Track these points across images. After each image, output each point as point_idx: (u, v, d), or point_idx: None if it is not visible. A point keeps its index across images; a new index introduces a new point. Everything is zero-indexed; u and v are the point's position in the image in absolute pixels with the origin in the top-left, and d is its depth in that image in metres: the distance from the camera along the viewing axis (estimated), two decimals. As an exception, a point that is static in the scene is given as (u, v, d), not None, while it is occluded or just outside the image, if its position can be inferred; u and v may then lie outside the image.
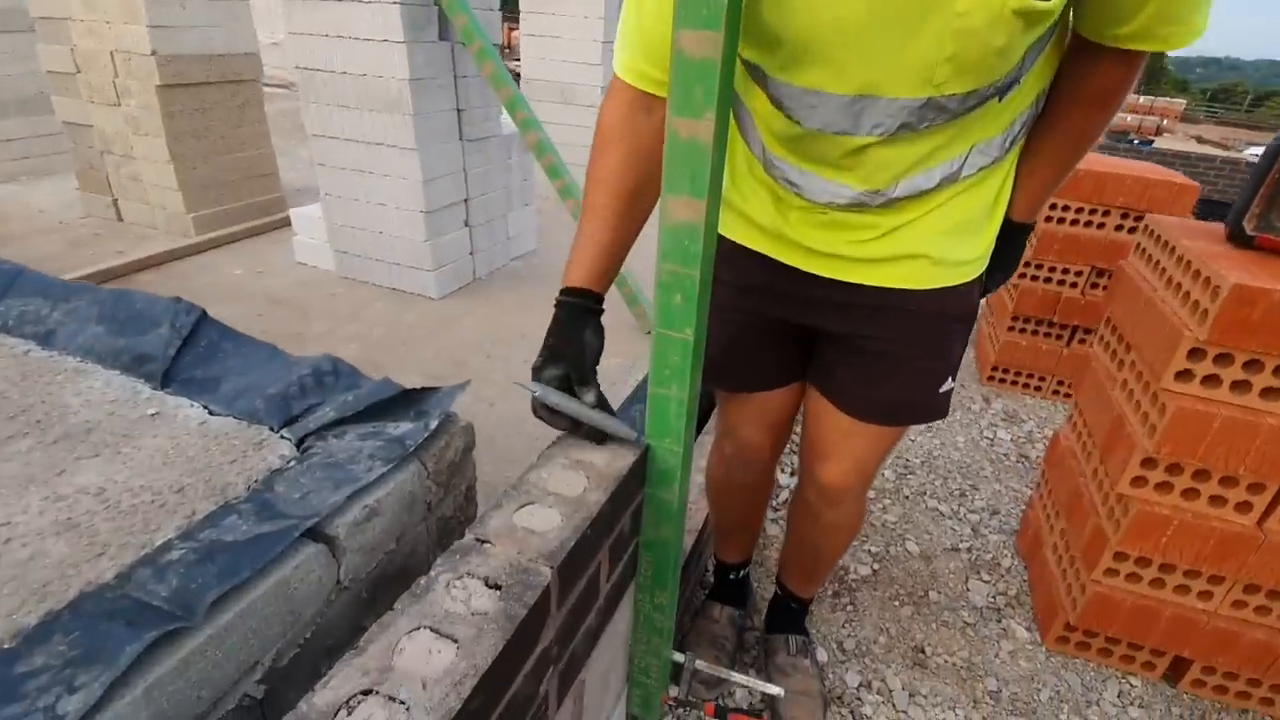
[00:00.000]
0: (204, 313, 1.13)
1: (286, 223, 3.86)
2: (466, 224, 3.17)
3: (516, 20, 4.73)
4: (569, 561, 0.77)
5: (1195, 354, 1.27)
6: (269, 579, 0.70)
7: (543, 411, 0.88)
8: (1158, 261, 1.48)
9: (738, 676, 1.30)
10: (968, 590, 1.83)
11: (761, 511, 1.52)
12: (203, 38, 3.29)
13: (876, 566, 1.88)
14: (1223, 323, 1.21)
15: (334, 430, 0.94)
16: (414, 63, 2.57)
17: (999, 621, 1.73)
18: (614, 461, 0.93)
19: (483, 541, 0.77)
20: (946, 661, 1.61)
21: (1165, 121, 16.58)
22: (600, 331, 0.91)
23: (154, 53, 3.13)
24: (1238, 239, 1.34)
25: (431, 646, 0.63)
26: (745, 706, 1.47)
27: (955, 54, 0.71)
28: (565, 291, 0.91)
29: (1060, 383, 2.77)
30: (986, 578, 1.88)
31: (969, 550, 1.97)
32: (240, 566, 0.68)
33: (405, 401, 0.99)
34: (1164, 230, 1.47)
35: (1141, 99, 18.30)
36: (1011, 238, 0.98)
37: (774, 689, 1.30)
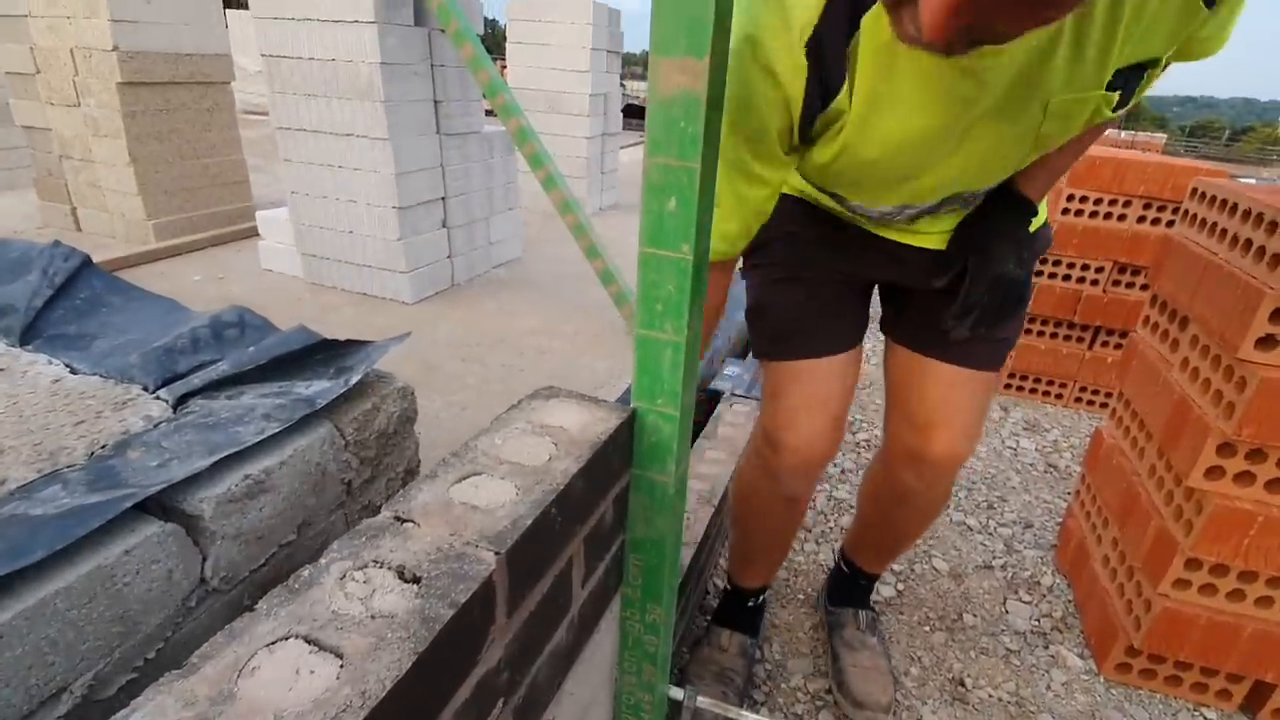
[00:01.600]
0: (87, 259, 0.92)
1: (254, 233, 3.67)
2: (444, 224, 2.98)
3: (503, 54, 4.68)
4: (523, 549, 0.55)
5: (1277, 316, 1.08)
6: (77, 567, 0.47)
7: None
8: (1215, 224, 1.30)
9: (751, 717, 1.06)
10: (1006, 612, 1.60)
11: (795, 530, 1.30)
12: (170, 35, 3.13)
13: (901, 587, 1.65)
14: (1318, 275, 1.02)
15: (228, 390, 0.72)
16: (386, 46, 2.41)
17: (1046, 648, 1.50)
18: (591, 425, 0.72)
19: (402, 520, 0.55)
20: (991, 695, 1.38)
21: (1147, 155, 16.93)
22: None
23: (116, 48, 2.96)
24: (1316, 189, 1.16)
25: (302, 664, 0.41)
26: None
27: (1035, 154, 0.80)
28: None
29: (1083, 389, 2.58)
30: (1026, 598, 1.65)
31: (1003, 568, 1.75)
32: (30, 546, 0.45)
33: (325, 357, 0.77)
34: (1222, 190, 1.30)
35: (1123, 134, 18.79)
36: (1012, 205, 0.91)
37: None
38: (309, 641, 0.43)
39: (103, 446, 0.63)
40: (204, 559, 0.57)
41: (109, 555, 0.50)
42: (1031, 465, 2.26)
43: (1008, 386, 2.67)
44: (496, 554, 0.52)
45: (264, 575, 0.64)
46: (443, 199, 2.92)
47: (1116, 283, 2.41)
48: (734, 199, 0.82)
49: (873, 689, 1.26)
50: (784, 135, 0.75)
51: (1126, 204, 2.30)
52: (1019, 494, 2.09)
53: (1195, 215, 1.39)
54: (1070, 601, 1.64)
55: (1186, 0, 0.64)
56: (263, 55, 2.61)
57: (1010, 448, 2.35)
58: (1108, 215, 2.33)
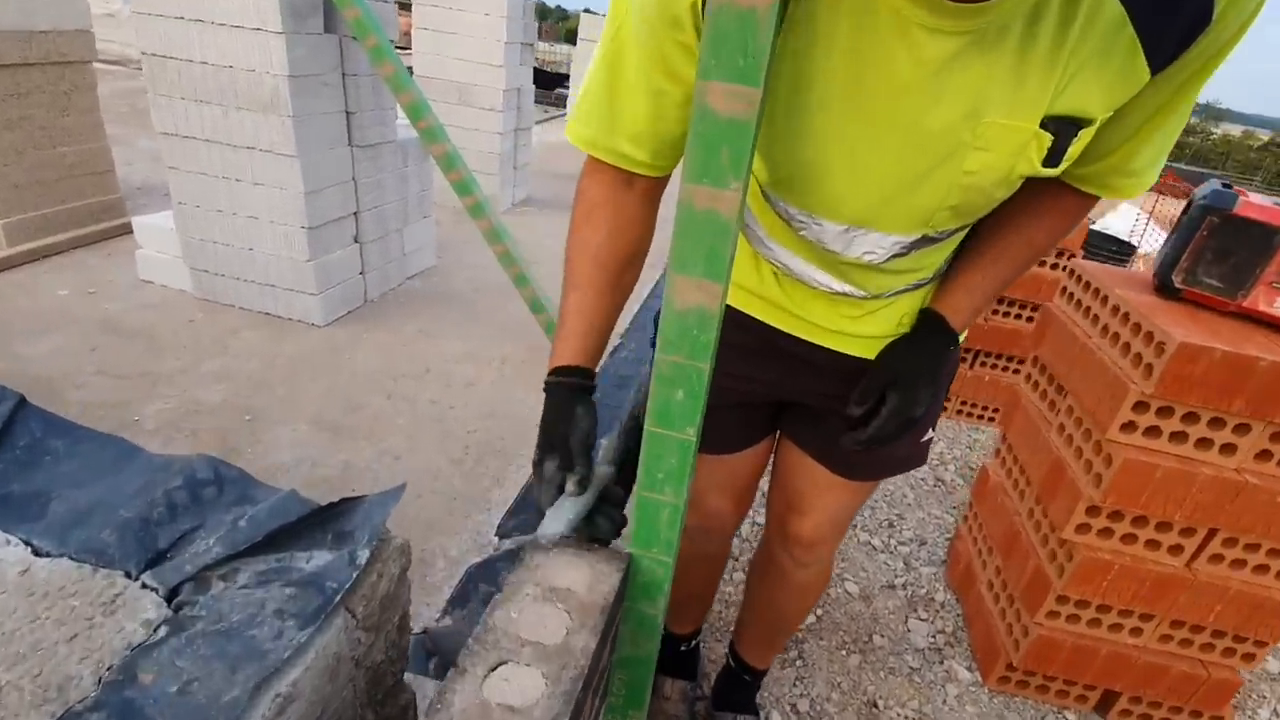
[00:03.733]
0: (21, 398, 0.84)
1: (125, 230, 3.31)
2: (356, 240, 2.83)
3: (409, 6, 4.36)
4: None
5: (1139, 407, 1.29)
6: None
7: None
8: (1089, 308, 1.51)
9: (711, 780, 1.17)
10: (908, 631, 1.81)
11: (718, 581, 1.41)
12: (22, 10, 2.71)
13: (820, 612, 1.83)
14: (1168, 378, 1.23)
15: (220, 570, 0.71)
16: (294, 57, 2.23)
17: (941, 663, 1.73)
18: (596, 584, 0.77)
19: (448, 734, 0.58)
20: (900, 715, 1.58)
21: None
22: (593, 409, 0.80)
23: (-52, 24, 2.54)
24: (1166, 291, 1.39)
25: None
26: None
27: (959, 204, 0.73)
28: (555, 372, 0.80)
29: (964, 403, 2.89)
30: (924, 615, 1.87)
31: (904, 586, 1.97)
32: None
33: (318, 522, 0.77)
34: (1094, 278, 1.51)
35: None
36: (939, 340, 0.90)
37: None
38: None
39: (109, 669, 0.61)
40: (241, 787, 0.57)
41: (167, 827, 0.50)
42: (923, 480, 2.53)
43: (902, 403, 2.93)
44: (546, 768, 0.57)
45: (289, 774, 0.65)
46: (355, 214, 2.77)
47: (996, 311, 2.71)
48: (648, 93, 0.70)
49: None
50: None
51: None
52: (914, 510, 2.34)
53: (1072, 294, 1.60)
54: (960, 616, 1.89)
55: (1128, 55, 0.60)
56: (143, 54, 2.33)
57: (906, 464, 2.61)
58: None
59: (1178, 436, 1.30)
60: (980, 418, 2.91)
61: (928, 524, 2.27)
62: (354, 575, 0.70)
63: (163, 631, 0.64)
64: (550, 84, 10.82)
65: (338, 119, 2.54)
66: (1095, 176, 0.76)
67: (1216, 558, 1.38)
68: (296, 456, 1.97)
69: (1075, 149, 0.67)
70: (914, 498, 2.41)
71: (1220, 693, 1.49)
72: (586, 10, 8.87)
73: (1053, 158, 0.67)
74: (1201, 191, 1.35)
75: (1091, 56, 0.60)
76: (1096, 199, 0.83)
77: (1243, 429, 1.27)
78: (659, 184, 0.81)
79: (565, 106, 9.69)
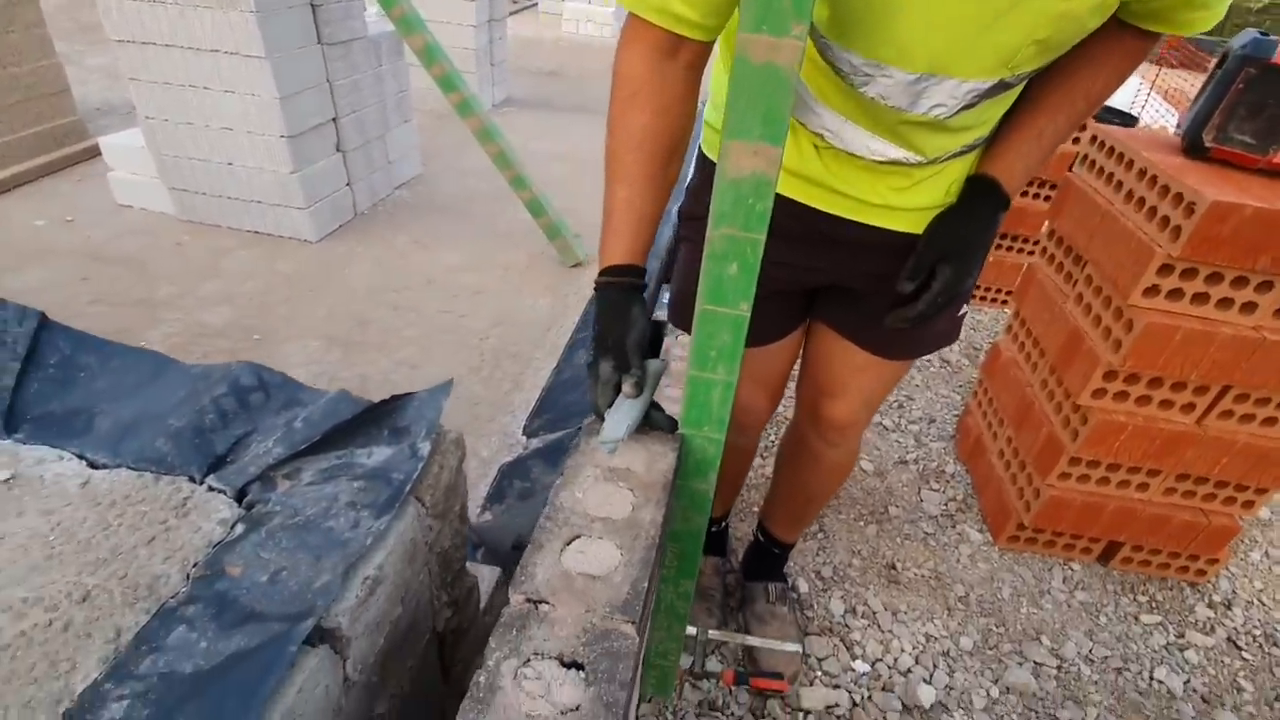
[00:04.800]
0: (42, 315, 0.81)
1: (92, 154, 3.14)
2: (339, 149, 2.70)
3: None
4: (644, 603, 0.63)
5: (1164, 270, 1.29)
6: (273, 717, 0.50)
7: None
8: (1112, 175, 1.48)
9: (754, 640, 1.25)
10: (921, 501, 1.89)
11: (748, 468, 1.45)
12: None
13: (838, 490, 1.90)
14: (1197, 239, 1.22)
15: (283, 470, 0.71)
16: (249, -56, 2.03)
17: (954, 527, 1.81)
18: (654, 463, 0.78)
19: (537, 603, 0.60)
20: (916, 574, 1.67)
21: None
22: (646, 308, 0.79)
23: None
24: (1195, 150, 1.34)
25: (527, 776, 0.48)
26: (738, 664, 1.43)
27: (1048, 37, 0.68)
28: (606, 272, 0.78)
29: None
30: (935, 486, 1.95)
31: (916, 461, 2.04)
32: (231, 712, 0.47)
33: (371, 420, 0.77)
34: (1119, 143, 1.46)
35: None
36: (991, 207, 0.88)
37: (792, 646, 1.26)
38: (520, 753, 0.49)
39: (194, 565, 0.62)
40: (345, 662, 0.60)
41: (288, 698, 0.52)
42: (928, 362, 2.56)
43: (906, 288, 2.93)
44: (632, 623, 0.60)
45: (383, 650, 0.68)
46: (334, 120, 2.62)
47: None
48: None
49: (778, 663, 1.35)
50: None
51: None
52: (922, 391, 2.38)
53: (1094, 162, 1.56)
54: (970, 485, 1.96)
55: None
56: (79, -53, 2.11)
57: (912, 348, 2.64)
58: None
59: (1199, 298, 1.30)
60: (984, 299, 2.92)
61: (935, 403, 2.32)
62: (419, 466, 0.70)
63: (240, 529, 0.65)
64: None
65: (303, 12, 2.34)
66: (1166, 10, 0.71)
67: (1227, 413, 1.42)
68: (312, 373, 1.96)
69: None
70: (921, 380, 2.45)
71: (1219, 538, 1.58)
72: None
73: None
74: (1239, 40, 1.28)
75: None
76: (1157, 39, 0.78)
77: (1265, 287, 1.27)
78: (704, 54, 0.75)
79: (536, -4, 9.01)
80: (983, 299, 2.92)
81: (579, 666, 0.56)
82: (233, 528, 0.65)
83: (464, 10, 3.99)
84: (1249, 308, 1.30)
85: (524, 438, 1.77)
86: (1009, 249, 2.77)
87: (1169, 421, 1.44)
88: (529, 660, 0.56)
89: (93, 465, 0.70)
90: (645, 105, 0.74)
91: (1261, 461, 1.45)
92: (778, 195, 0.95)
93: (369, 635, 0.63)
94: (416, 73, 2.77)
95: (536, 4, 8.90)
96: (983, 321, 2.86)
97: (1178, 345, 1.32)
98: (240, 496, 0.69)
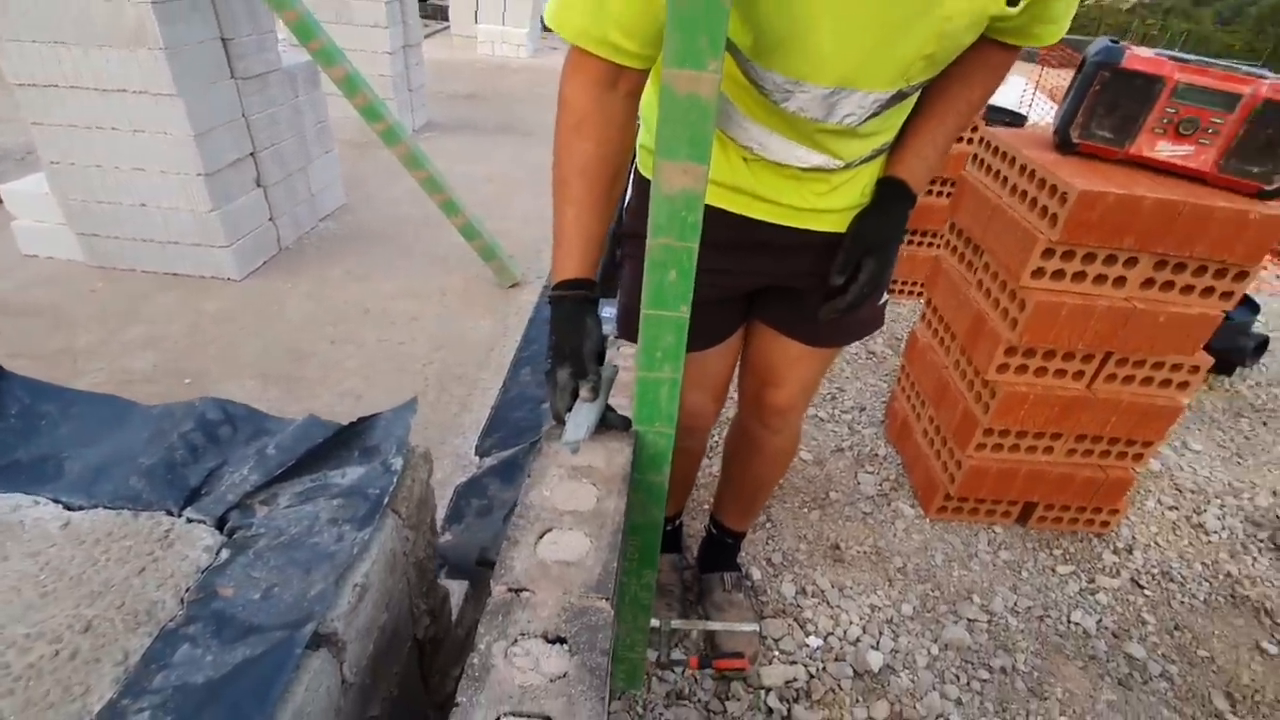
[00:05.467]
0: (0, 368, 0.81)
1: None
2: (259, 183, 2.65)
3: None
4: (615, 579, 0.69)
5: (1046, 254, 1.45)
6: (285, 715, 0.54)
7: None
8: (998, 171, 1.65)
9: (714, 625, 1.33)
10: (858, 484, 2.03)
11: (697, 468, 1.53)
12: None
13: (781, 481, 2.01)
14: (1071, 224, 1.39)
15: (260, 496, 0.74)
16: (155, -18, 2.00)
17: (889, 505, 1.95)
18: (613, 458, 0.85)
19: (518, 591, 0.66)
20: (859, 552, 1.79)
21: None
22: (599, 319, 0.86)
23: None
24: (1064, 146, 1.53)
25: (527, 737, 0.54)
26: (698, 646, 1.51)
27: (934, 53, 0.79)
28: (560, 285, 0.85)
29: (892, 281, 3.09)
30: (870, 468, 2.09)
31: (851, 448, 2.17)
32: (248, 712, 0.51)
33: (341, 442, 0.80)
34: (1002, 143, 1.64)
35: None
36: (902, 205, 1.00)
37: (749, 627, 1.34)
38: (519, 715, 0.55)
39: (187, 590, 0.64)
40: (342, 665, 0.64)
41: (297, 697, 0.56)
42: (856, 355, 2.73)
43: (830, 286, 3.11)
44: (605, 599, 0.66)
45: (373, 655, 0.72)
46: (252, 154, 2.58)
47: (907, 191, 2.86)
48: None
49: (740, 645, 1.42)
50: None
51: (913, 124, 2.70)
52: (852, 381, 2.54)
53: (983, 161, 1.74)
54: (900, 465, 2.12)
55: None
56: (-31, -11, 2.03)
57: (839, 342, 2.81)
58: (900, 134, 2.73)
59: (1078, 276, 1.48)
60: (902, 292, 3.13)
61: (865, 392, 2.48)
62: (394, 480, 0.74)
63: (226, 553, 0.67)
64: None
65: (214, 47, 2.31)
66: (1021, 27, 0.85)
67: (1111, 377, 1.61)
68: (252, 411, 1.93)
69: None
70: (850, 371, 2.61)
71: (1116, 489, 1.77)
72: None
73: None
74: (1094, 48, 1.47)
75: None
76: (1018, 51, 0.93)
77: (1131, 263, 1.46)
78: (642, 82, 0.83)
79: (446, 18, 8.99)
80: (902, 291, 3.13)
81: (562, 640, 0.62)
82: (218, 553, 0.68)
83: (378, 37, 3.99)
84: (1120, 282, 1.49)
85: (477, 457, 1.80)
86: (920, 244, 2.99)
87: (1064, 389, 1.62)
88: (516, 640, 0.61)
89: (69, 508, 0.72)
90: (590, 133, 0.81)
91: (1144, 418, 1.64)
92: (715, 208, 1.05)
93: (360, 640, 0.68)
94: (335, 102, 2.76)
95: (449, 27, 8.88)
96: (903, 313, 3.07)
97: (1064, 319, 1.49)
98: (221, 524, 0.71)
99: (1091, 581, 1.75)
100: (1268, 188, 1.38)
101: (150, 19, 2.05)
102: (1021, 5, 0.76)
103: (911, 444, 2.03)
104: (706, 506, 1.88)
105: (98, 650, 0.57)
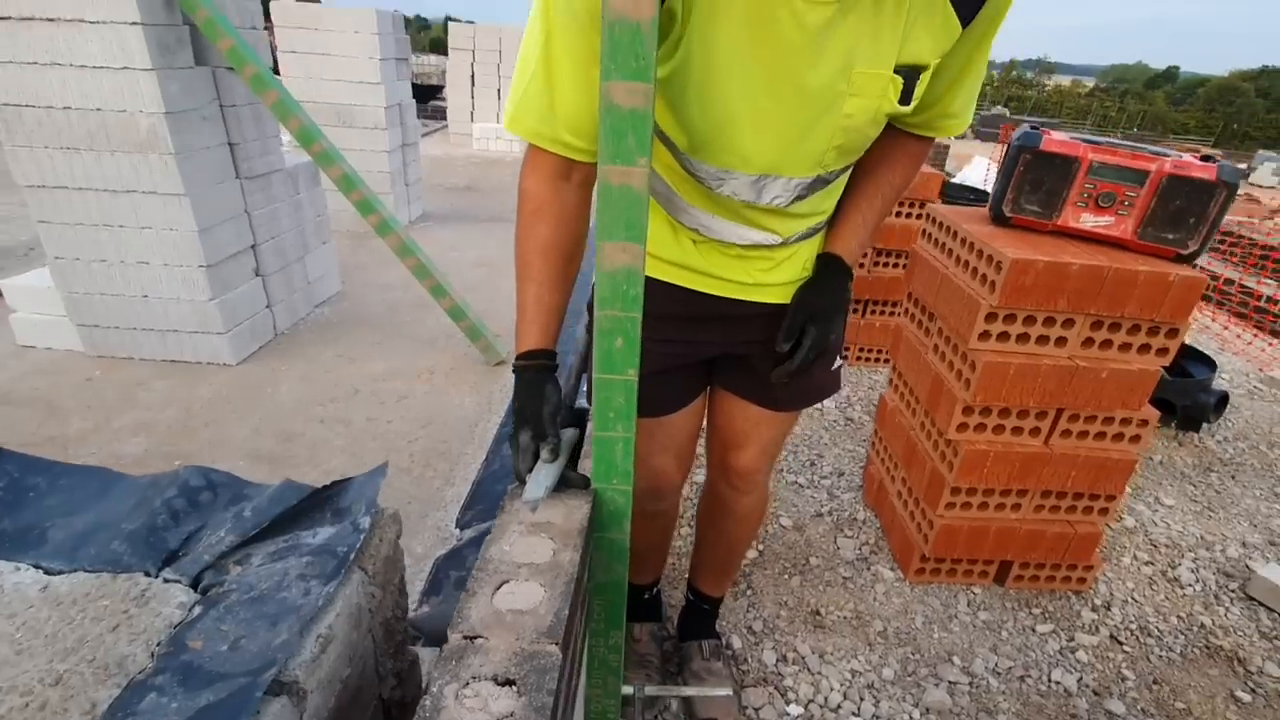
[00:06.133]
0: (-7, 443, 0.87)
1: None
2: (258, 273, 2.78)
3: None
4: (567, 633, 0.73)
5: (990, 317, 1.55)
6: (240, 759, 0.57)
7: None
8: (944, 244, 1.78)
9: (689, 690, 1.33)
10: (838, 548, 2.04)
11: (671, 534, 1.56)
12: None
13: (761, 548, 2.03)
14: (1007, 290, 1.49)
15: (234, 557, 0.79)
16: (168, 94, 2.19)
17: (869, 569, 1.97)
18: (570, 514, 0.90)
19: (472, 638, 0.70)
20: (839, 617, 1.79)
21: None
22: (558, 386, 0.93)
23: None
24: (999, 220, 1.66)
25: (473, 772, 0.57)
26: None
27: (843, 143, 0.91)
28: (522, 356, 0.92)
29: (861, 349, 3.20)
30: (849, 533, 2.11)
31: (830, 513, 2.20)
32: (201, 758, 0.54)
33: (317, 502, 0.86)
34: (945, 218, 1.78)
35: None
36: (839, 277, 1.10)
37: (723, 691, 1.34)
38: (465, 755, 0.58)
39: (158, 645, 0.68)
40: (302, 713, 0.67)
41: (256, 739, 0.59)
42: (834, 422, 2.80)
43: (807, 357, 3.21)
44: (555, 643, 0.70)
45: (333, 710, 0.74)
46: (253, 247, 2.72)
47: (877, 263, 3.02)
48: (585, 86, 0.80)
49: (715, 711, 1.43)
50: None
51: (874, 203, 2.89)
52: (830, 448, 2.59)
53: (931, 235, 1.87)
54: (879, 528, 2.14)
55: (944, 13, 0.80)
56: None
57: (817, 409, 2.87)
58: (862, 212, 2.90)
59: (1022, 338, 1.57)
60: (876, 360, 3.23)
61: (843, 458, 2.53)
62: (361, 538, 0.80)
63: (198, 609, 0.72)
64: (424, 97, 10.63)
65: (221, 152, 2.49)
66: (928, 122, 0.97)
67: (1066, 433, 1.67)
68: (237, 491, 1.96)
69: (919, 89, 0.86)
70: (829, 438, 2.66)
71: (1087, 544, 1.80)
72: (450, 18, 8.79)
73: (905, 97, 0.86)
74: (1016, 135, 1.63)
75: (920, 14, 0.80)
76: (932, 141, 1.06)
77: (1068, 324, 1.56)
78: (592, 172, 0.91)
79: (445, 119, 9.55)
80: (874, 360, 3.23)
81: (511, 683, 0.66)
82: (191, 609, 0.72)
83: (377, 138, 4.26)
84: (1061, 342, 1.58)
85: (457, 531, 1.82)
86: (887, 313, 3.11)
87: (1022, 445, 1.68)
88: (468, 683, 0.65)
89: (49, 572, 0.76)
90: (547, 219, 0.91)
91: (1101, 471, 1.70)
92: (669, 284, 1.15)
93: (322, 691, 0.71)
94: (334, 196, 2.94)
95: (447, 125, 9.42)
96: (878, 381, 3.15)
97: (1013, 378, 1.58)
98: (196, 583, 0.76)
99: (1071, 639, 1.75)
100: (1184, 252, 1.50)
101: (163, 128, 2.23)
102: (914, 104, 0.88)
103: (888, 507, 2.07)
104: (686, 575, 1.90)
105: (66, 701, 0.61)
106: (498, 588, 0.77)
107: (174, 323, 2.59)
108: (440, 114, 10.40)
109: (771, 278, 1.11)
